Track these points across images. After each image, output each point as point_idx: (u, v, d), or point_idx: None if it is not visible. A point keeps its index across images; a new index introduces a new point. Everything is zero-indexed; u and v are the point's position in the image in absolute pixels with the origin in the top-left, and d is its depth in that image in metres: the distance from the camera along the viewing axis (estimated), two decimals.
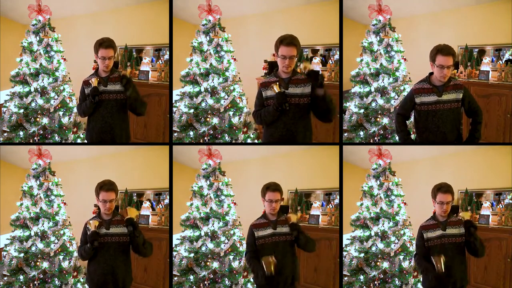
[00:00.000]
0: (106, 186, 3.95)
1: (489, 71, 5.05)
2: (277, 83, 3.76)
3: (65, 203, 4.82)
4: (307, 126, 3.83)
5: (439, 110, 3.92)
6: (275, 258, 3.79)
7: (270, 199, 3.89)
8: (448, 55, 3.83)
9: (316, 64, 5.13)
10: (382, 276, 4.71)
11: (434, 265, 3.77)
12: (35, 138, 4.89)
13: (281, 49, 3.72)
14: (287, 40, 3.70)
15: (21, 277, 4.69)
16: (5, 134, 4.88)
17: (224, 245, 4.76)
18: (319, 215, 5.07)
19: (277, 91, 3.72)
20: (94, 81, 4.10)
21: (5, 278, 4.68)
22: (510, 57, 4.99)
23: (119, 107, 4.13)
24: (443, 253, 3.82)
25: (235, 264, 4.75)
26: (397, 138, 4.38)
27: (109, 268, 3.91)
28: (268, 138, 3.87)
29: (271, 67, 5.14)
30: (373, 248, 4.74)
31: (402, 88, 4.89)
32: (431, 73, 3.95)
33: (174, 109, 4.94)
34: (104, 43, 4.10)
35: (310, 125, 3.86)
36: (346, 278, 4.73)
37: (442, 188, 3.87)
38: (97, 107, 4.12)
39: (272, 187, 3.90)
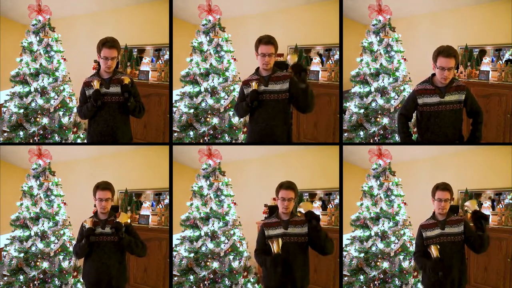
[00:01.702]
0: (102, 185, 4.02)
1: (489, 71, 5.05)
2: (256, 81, 3.98)
3: (65, 203, 4.82)
4: (286, 121, 4.00)
5: (442, 111, 3.91)
6: (285, 260, 3.74)
7: (283, 197, 3.84)
8: (449, 56, 3.81)
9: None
10: (382, 276, 4.71)
11: (432, 260, 3.78)
12: (35, 138, 4.89)
13: (260, 48, 3.97)
14: (265, 39, 3.97)
15: (21, 277, 4.68)
16: (5, 134, 4.88)
17: (224, 245, 4.76)
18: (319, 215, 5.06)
19: (251, 89, 3.96)
20: (96, 84, 3.99)
21: (5, 278, 4.68)
22: (510, 57, 4.99)
23: (121, 109, 4.06)
24: (441, 251, 3.82)
25: (235, 264, 4.75)
26: (397, 138, 4.38)
27: (104, 267, 3.94)
28: (250, 132, 4.07)
29: None
30: (373, 248, 4.74)
31: (402, 88, 4.89)
32: (434, 74, 3.93)
33: (174, 109, 4.94)
34: (108, 43, 3.99)
35: (289, 120, 4.03)
36: (346, 278, 4.73)
37: (441, 186, 3.90)
38: (99, 110, 4.03)
39: (285, 185, 3.86)
